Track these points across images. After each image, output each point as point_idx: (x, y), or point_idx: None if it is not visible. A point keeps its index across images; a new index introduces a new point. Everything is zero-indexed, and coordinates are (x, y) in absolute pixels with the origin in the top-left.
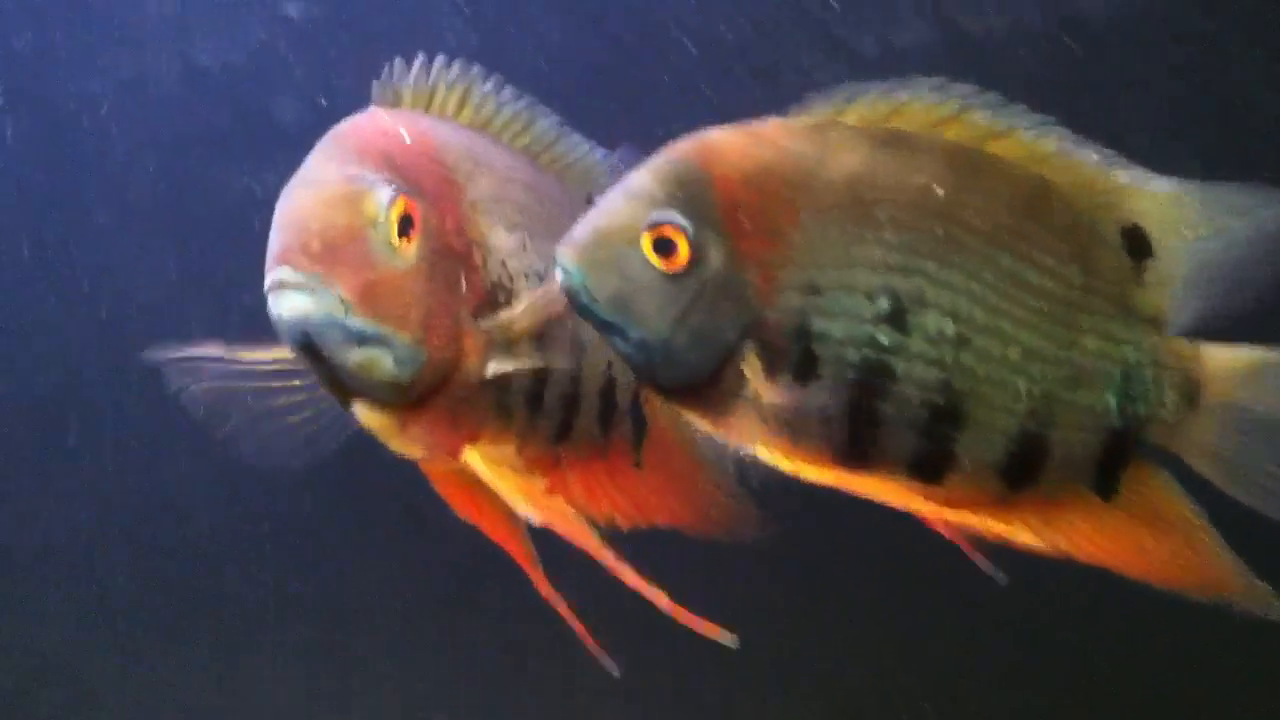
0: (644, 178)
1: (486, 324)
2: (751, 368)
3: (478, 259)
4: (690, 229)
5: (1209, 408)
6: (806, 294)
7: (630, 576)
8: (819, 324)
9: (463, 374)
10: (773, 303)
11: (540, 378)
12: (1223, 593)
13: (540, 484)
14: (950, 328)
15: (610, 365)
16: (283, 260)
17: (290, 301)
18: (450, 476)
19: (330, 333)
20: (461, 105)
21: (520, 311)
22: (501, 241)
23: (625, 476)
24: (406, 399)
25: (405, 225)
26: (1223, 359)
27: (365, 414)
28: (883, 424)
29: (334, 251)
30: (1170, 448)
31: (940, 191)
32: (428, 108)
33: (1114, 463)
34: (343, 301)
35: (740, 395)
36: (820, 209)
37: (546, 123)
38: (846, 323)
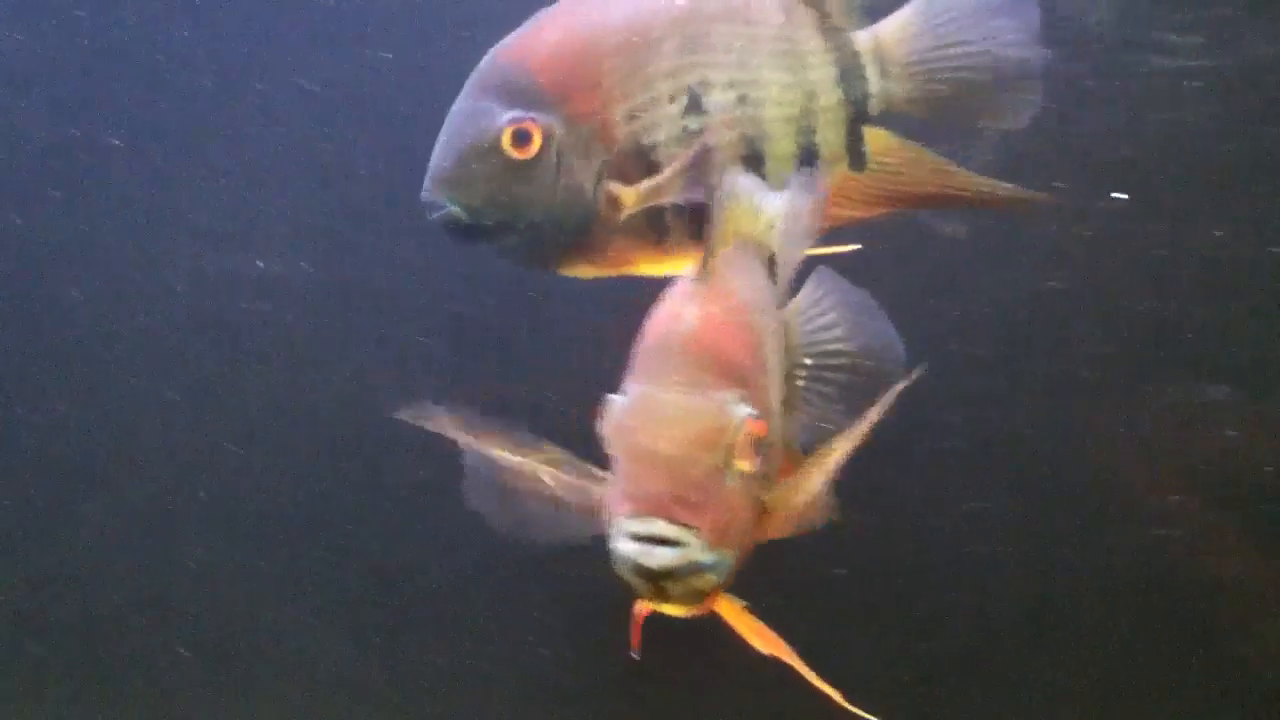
0: (477, 94)
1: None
2: (616, 192)
3: (773, 437)
4: (537, 118)
5: (895, 68)
6: (630, 121)
7: (811, 675)
8: (647, 138)
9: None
10: (612, 140)
11: None
12: (989, 203)
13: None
14: (731, 95)
15: None
16: (657, 511)
17: (661, 556)
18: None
19: (687, 572)
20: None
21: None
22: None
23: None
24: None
25: (759, 448)
26: (888, 29)
27: (667, 608)
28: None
29: (706, 500)
30: (890, 110)
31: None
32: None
33: (856, 143)
34: (705, 545)
35: (616, 222)
36: (614, 53)
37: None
38: (665, 127)
